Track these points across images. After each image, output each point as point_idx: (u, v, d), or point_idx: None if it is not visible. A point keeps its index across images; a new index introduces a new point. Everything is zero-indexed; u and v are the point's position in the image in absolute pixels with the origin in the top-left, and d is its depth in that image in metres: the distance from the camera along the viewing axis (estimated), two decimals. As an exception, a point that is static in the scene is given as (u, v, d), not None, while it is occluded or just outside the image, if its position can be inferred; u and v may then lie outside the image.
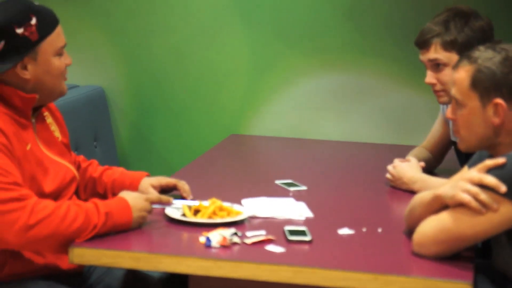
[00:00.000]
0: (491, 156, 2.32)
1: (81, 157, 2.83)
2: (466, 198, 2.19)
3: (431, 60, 2.96)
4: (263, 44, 4.12)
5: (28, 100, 2.45)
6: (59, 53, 2.48)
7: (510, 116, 2.29)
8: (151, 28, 4.21)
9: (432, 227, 2.27)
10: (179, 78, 4.22)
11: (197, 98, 4.22)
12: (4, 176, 2.28)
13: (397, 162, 3.03)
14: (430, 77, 2.98)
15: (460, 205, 2.22)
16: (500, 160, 2.20)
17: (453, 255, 2.27)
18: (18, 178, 2.32)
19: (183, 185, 2.75)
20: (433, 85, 2.99)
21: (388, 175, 3.02)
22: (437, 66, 2.96)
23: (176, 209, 2.57)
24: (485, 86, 2.29)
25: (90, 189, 2.76)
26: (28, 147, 2.44)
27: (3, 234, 2.25)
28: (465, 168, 2.46)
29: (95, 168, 2.80)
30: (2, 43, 2.39)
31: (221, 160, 3.55)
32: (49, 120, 2.63)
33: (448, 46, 2.92)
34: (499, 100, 2.28)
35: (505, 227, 2.21)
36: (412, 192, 2.84)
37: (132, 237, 2.38)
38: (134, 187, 2.73)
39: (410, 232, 2.38)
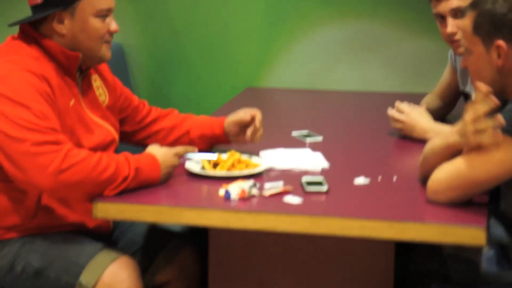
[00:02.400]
0: (506, 101, 2.30)
1: (157, 111, 2.84)
2: (481, 139, 2.16)
3: (454, 9, 2.93)
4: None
5: (72, 58, 2.45)
6: (100, 15, 2.46)
7: None
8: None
9: (446, 173, 2.26)
10: (195, 34, 4.21)
11: (213, 53, 4.22)
12: (42, 120, 2.29)
13: (406, 108, 2.99)
14: (452, 26, 2.95)
15: (474, 150, 2.21)
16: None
17: (467, 202, 2.27)
18: (56, 125, 2.32)
19: (259, 117, 2.72)
20: (454, 34, 2.96)
21: (396, 124, 3.00)
22: (458, 14, 2.93)
23: (195, 163, 2.58)
24: (486, 29, 2.26)
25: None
26: (72, 103, 2.46)
27: (35, 176, 2.26)
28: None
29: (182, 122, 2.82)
30: None
31: (238, 112, 3.55)
32: (96, 83, 2.63)
33: None
34: (500, 42, 2.25)
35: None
36: (425, 141, 2.84)
37: (154, 191, 2.39)
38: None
39: (424, 180, 2.37)
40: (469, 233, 2.13)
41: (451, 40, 2.98)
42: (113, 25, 2.50)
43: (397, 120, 3.00)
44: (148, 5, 4.23)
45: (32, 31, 2.46)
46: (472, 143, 2.19)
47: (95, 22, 2.46)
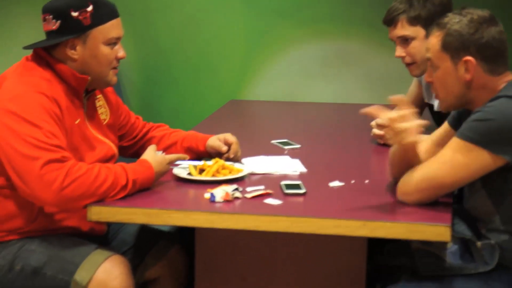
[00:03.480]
0: (468, 111, 2.32)
1: (150, 125, 2.85)
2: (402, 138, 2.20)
3: (399, 37, 2.98)
4: (257, 17, 4.13)
5: (81, 80, 2.46)
6: (110, 43, 2.47)
7: (479, 71, 2.29)
8: (155, 6, 4.20)
9: (415, 176, 2.28)
10: (182, 51, 4.22)
11: (199, 68, 4.22)
12: (50, 139, 2.30)
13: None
14: (399, 52, 3.00)
15: (440, 156, 2.24)
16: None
17: (433, 202, 2.29)
18: (62, 143, 2.33)
19: (235, 147, 2.73)
20: (403, 58, 3.00)
21: (376, 131, 3.01)
22: (405, 40, 2.97)
23: (182, 169, 2.58)
24: (455, 46, 2.29)
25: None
26: (77, 122, 2.47)
27: (40, 192, 2.26)
28: (446, 124, 2.48)
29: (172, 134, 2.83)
30: (59, 22, 2.43)
31: (223, 123, 3.56)
32: (100, 103, 2.63)
33: (413, 21, 2.94)
34: (468, 57, 2.28)
35: (481, 173, 2.23)
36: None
37: (144, 195, 2.39)
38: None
39: (394, 182, 2.39)
40: (435, 230, 2.15)
41: (404, 63, 3.01)
42: (120, 52, 2.51)
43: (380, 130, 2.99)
44: (138, 27, 4.23)
45: (45, 54, 2.47)
46: (395, 141, 2.23)
47: (105, 49, 2.47)
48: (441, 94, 2.36)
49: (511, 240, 2.26)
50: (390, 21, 2.98)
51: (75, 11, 2.42)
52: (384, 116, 2.20)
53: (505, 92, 2.26)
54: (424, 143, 2.52)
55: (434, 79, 2.35)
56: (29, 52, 2.52)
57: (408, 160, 2.31)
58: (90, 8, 2.43)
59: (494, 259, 2.25)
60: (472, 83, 2.30)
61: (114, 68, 2.52)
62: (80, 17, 2.42)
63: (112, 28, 2.48)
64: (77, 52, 2.45)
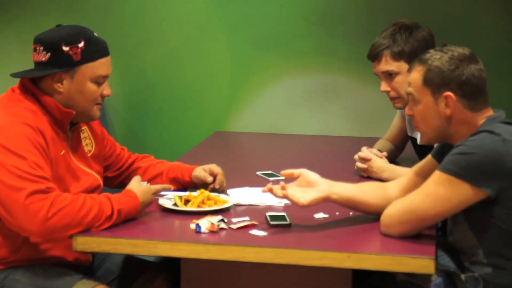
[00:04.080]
0: (451, 145, 2.33)
1: (135, 155, 2.84)
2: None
3: (383, 72, 2.98)
4: (243, 50, 4.14)
5: (65, 114, 2.45)
6: (97, 81, 2.47)
7: (459, 107, 2.31)
8: (142, 38, 4.21)
9: (397, 210, 2.28)
10: (167, 83, 4.22)
11: (185, 100, 4.22)
12: (35, 170, 2.29)
13: (368, 153, 3.02)
14: (384, 86, 3.01)
15: (422, 189, 2.25)
16: None
17: (417, 234, 2.28)
18: (47, 174, 2.32)
19: (220, 178, 2.73)
20: (387, 92, 3.00)
21: (359, 165, 3.02)
22: (389, 75, 2.98)
23: (168, 200, 2.57)
24: (436, 82, 2.31)
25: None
26: (62, 153, 2.46)
27: (25, 222, 2.25)
28: (429, 156, 2.49)
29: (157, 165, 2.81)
30: (49, 54, 2.42)
31: (208, 154, 3.55)
32: (84, 134, 2.62)
33: (397, 56, 2.95)
34: (448, 93, 2.30)
35: (463, 206, 2.24)
36: (380, 180, 2.86)
37: (130, 226, 2.38)
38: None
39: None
40: (419, 263, 2.15)
41: (388, 97, 3.02)
42: (106, 89, 2.51)
43: (363, 164, 3.01)
44: (125, 59, 4.23)
45: (31, 86, 2.46)
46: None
47: (91, 86, 2.46)
48: (422, 127, 2.38)
49: (494, 273, 2.26)
50: (374, 56, 3.00)
51: (66, 45, 2.42)
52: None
53: (485, 127, 2.27)
54: (406, 175, 2.53)
55: (415, 113, 2.37)
56: (15, 83, 2.51)
57: (356, 206, 2.43)
58: (81, 44, 2.43)
59: (478, 292, 2.26)
60: (452, 118, 2.31)
61: (99, 104, 2.51)
62: (71, 52, 2.42)
63: (101, 66, 2.47)
64: (63, 86, 2.44)
